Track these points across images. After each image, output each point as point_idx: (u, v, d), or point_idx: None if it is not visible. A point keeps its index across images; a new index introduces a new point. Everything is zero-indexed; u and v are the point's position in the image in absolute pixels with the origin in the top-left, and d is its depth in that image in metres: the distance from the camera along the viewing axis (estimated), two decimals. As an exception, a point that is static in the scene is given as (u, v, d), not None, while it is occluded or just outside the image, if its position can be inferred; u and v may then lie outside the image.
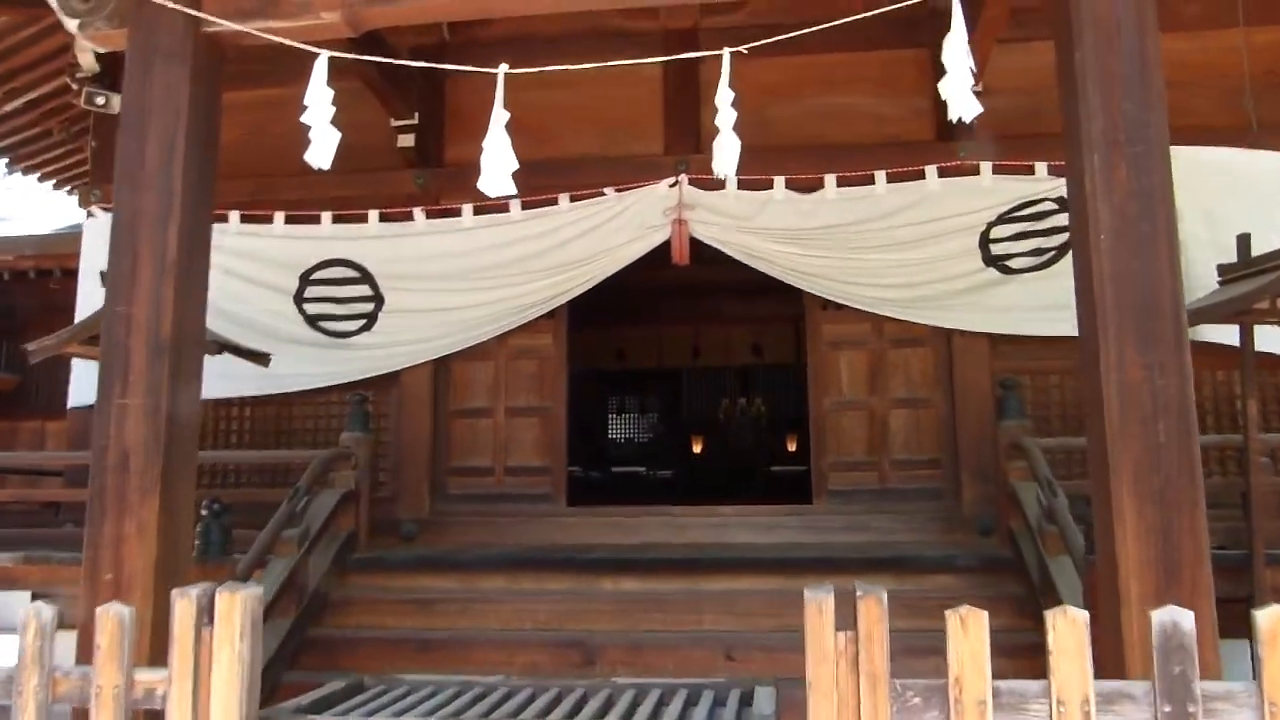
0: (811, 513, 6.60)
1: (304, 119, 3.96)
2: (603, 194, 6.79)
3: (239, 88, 7.51)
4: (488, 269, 6.87)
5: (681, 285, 12.01)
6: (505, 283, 6.87)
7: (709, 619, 5.21)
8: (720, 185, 6.64)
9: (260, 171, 7.41)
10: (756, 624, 5.14)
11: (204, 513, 4.62)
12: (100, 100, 7.15)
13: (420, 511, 6.88)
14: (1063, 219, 6.26)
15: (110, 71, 7.13)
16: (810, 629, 2.47)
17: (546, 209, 6.85)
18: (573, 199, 6.83)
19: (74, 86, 7.38)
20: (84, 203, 7.64)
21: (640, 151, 7.01)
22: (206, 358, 6.11)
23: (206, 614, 2.73)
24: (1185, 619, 2.20)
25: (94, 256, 7.15)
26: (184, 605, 2.75)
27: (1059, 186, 6.26)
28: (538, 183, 6.72)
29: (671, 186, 6.69)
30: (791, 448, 15.30)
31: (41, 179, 9.58)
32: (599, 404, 18.12)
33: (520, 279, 6.85)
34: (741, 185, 6.62)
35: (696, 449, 16.73)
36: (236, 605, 2.71)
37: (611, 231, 6.75)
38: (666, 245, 6.66)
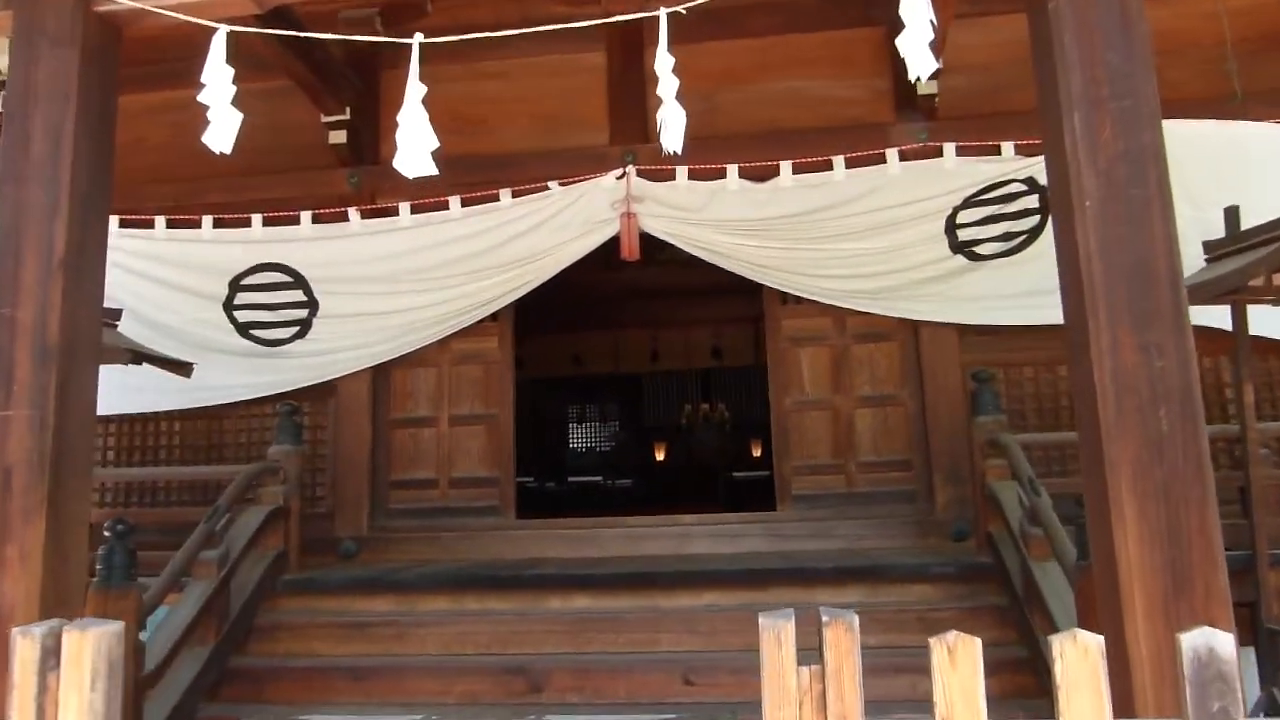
0: (776, 520, 6.22)
1: (201, 98, 3.49)
2: (547, 188, 6.37)
3: (163, 87, 7.15)
4: (428, 270, 6.45)
5: (638, 288, 11.80)
6: (447, 284, 6.45)
7: (666, 639, 4.79)
8: (670, 176, 6.27)
9: (187, 175, 6.94)
10: (718, 643, 4.73)
11: (106, 534, 4.14)
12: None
13: (360, 528, 6.45)
14: (1033, 201, 5.96)
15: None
16: (768, 663, 2.02)
17: (488, 205, 6.43)
18: (515, 194, 6.41)
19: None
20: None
21: (585, 143, 6.62)
22: (133, 370, 5.72)
23: (53, 656, 2.24)
24: (1223, 643, 1.79)
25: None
26: (25, 646, 2.25)
27: (1028, 166, 5.97)
28: (478, 179, 6.47)
29: (619, 179, 6.29)
30: (757, 453, 15.02)
31: None
32: (556, 412, 17.80)
33: (462, 279, 6.43)
34: (692, 175, 6.26)
35: (659, 456, 16.40)
36: (87, 646, 2.21)
37: (557, 227, 6.35)
38: (616, 241, 6.22)
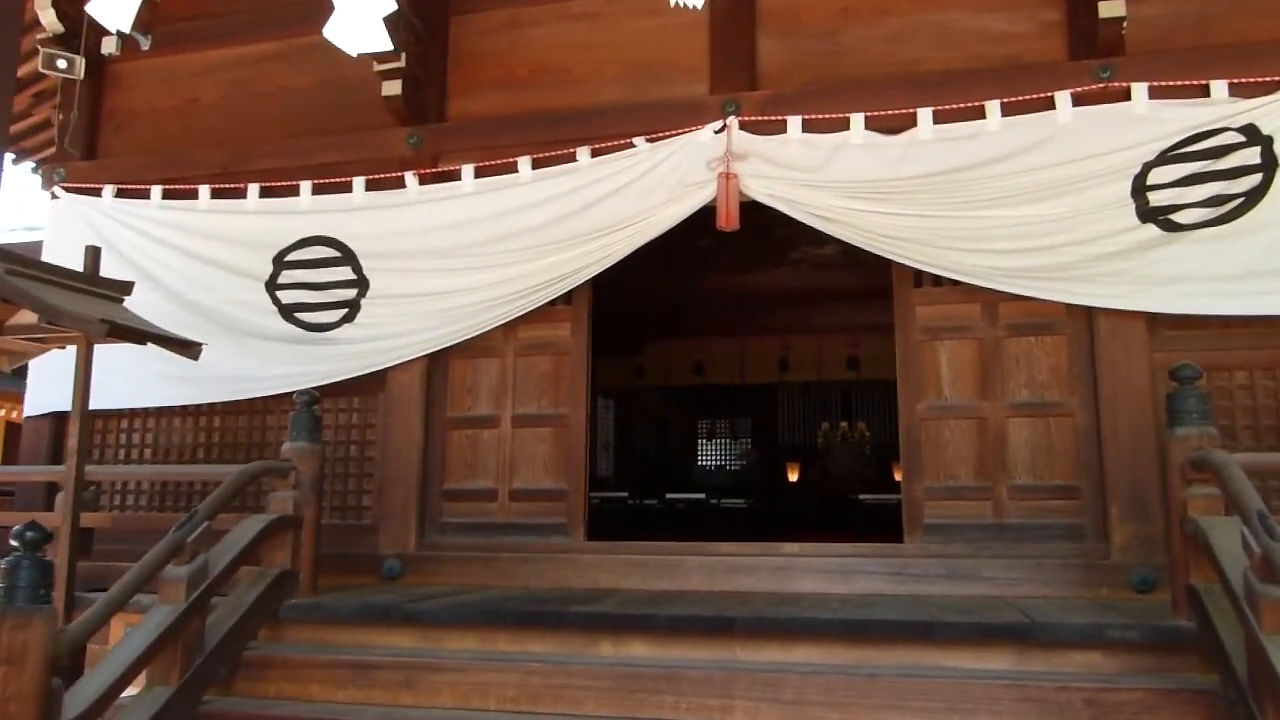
0: (902, 554, 5.00)
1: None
2: (632, 145, 5.38)
3: (219, 44, 6.52)
4: (492, 242, 5.54)
5: (767, 292, 10.85)
6: (514, 259, 5.52)
7: (741, 707, 3.62)
8: (780, 129, 5.22)
9: (238, 138, 6.35)
10: (809, 718, 3.53)
11: (14, 542, 3.27)
12: (61, 64, 5.98)
13: (406, 545, 5.55)
14: (1253, 155, 4.63)
15: (74, 31, 6.07)
16: None
17: (563, 167, 5.50)
18: (595, 153, 5.46)
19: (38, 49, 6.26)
20: (46, 184, 6.54)
21: (679, 94, 5.58)
22: (170, 358, 4.96)
23: None
24: None
25: (58, 247, 6.06)
26: None
27: (1246, 111, 4.67)
28: (559, 137, 5.61)
29: (717, 133, 5.27)
30: (899, 476, 13.72)
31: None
32: (685, 426, 16.88)
33: (532, 253, 5.49)
34: (807, 127, 5.19)
35: (792, 477, 15.23)
36: None
37: (643, 191, 5.34)
38: (712, 210, 5.14)
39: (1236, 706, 3.18)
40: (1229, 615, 3.31)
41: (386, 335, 5.68)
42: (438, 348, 5.65)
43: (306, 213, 5.84)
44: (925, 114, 4.99)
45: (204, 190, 6.06)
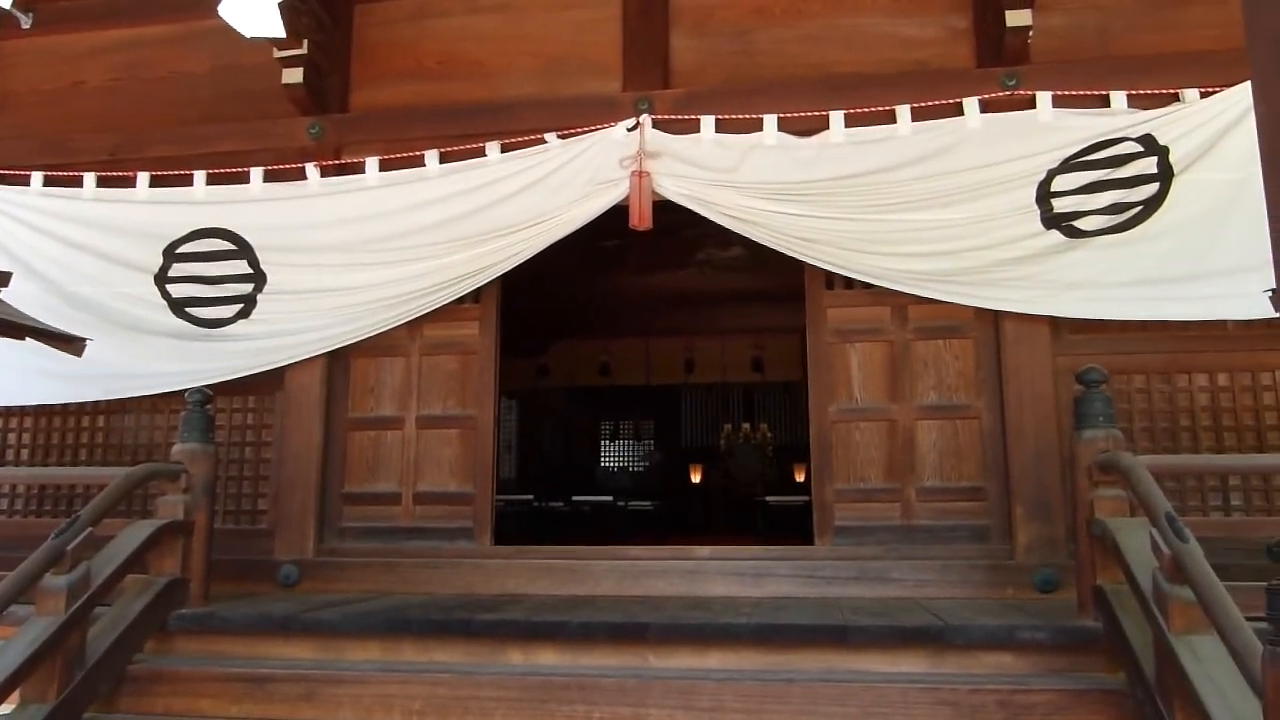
0: (814, 557, 4.97)
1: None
2: (544, 141, 5.24)
3: (108, 24, 6.17)
4: (397, 238, 5.34)
5: (671, 293, 10.85)
6: (419, 255, 5.33)
7: (656, 716, 3.54)
8: (694, 128, 5.15)
9: (128, 123, 5.99)
10: (725, 725, 3.46)
11: None
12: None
13: (304, 550, 5.32)
14: (1149, 165, 4.70)
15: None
16: None
17: (472, 162, 5.32)
18: (505, 148, 5.29)
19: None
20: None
21: (592, 90, 5.47)
22: (55, 354, 4.65)
23: None
24: None
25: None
26: None
27: (1144, 122, 4.75)
28: (468, 131, 5.43)
29: (630, 130, 5.17)
30: (800, 478, 13.87)
31: None
32: (589, 427, 16.80)
33: (439, 250, 5.31)
34: (721, 127, 5.12)
35: (695, 478, 15.25)
36: None
37: (554, 188, 5.21)
38: (621, 208, 5.05)
39: (1144, 705, 3.22)
40: (1136, 615, 3.35)
41: (284, 332, 5.44)
42: (339, 345, 5.44)
43: (200, 203, 5.54)
44: (837, 117, 4.98)
45: (89, 178, 5.69)
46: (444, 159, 5.34)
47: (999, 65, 5.01)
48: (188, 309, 5.51)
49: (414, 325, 5.46)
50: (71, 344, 4.45)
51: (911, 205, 4.89)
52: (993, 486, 4.91)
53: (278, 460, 5.49)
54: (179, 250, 5.52)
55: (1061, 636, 3.70)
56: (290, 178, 5.50)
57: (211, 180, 5.56)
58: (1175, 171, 4.65)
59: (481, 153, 5.29)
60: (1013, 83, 4.95)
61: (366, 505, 5.43)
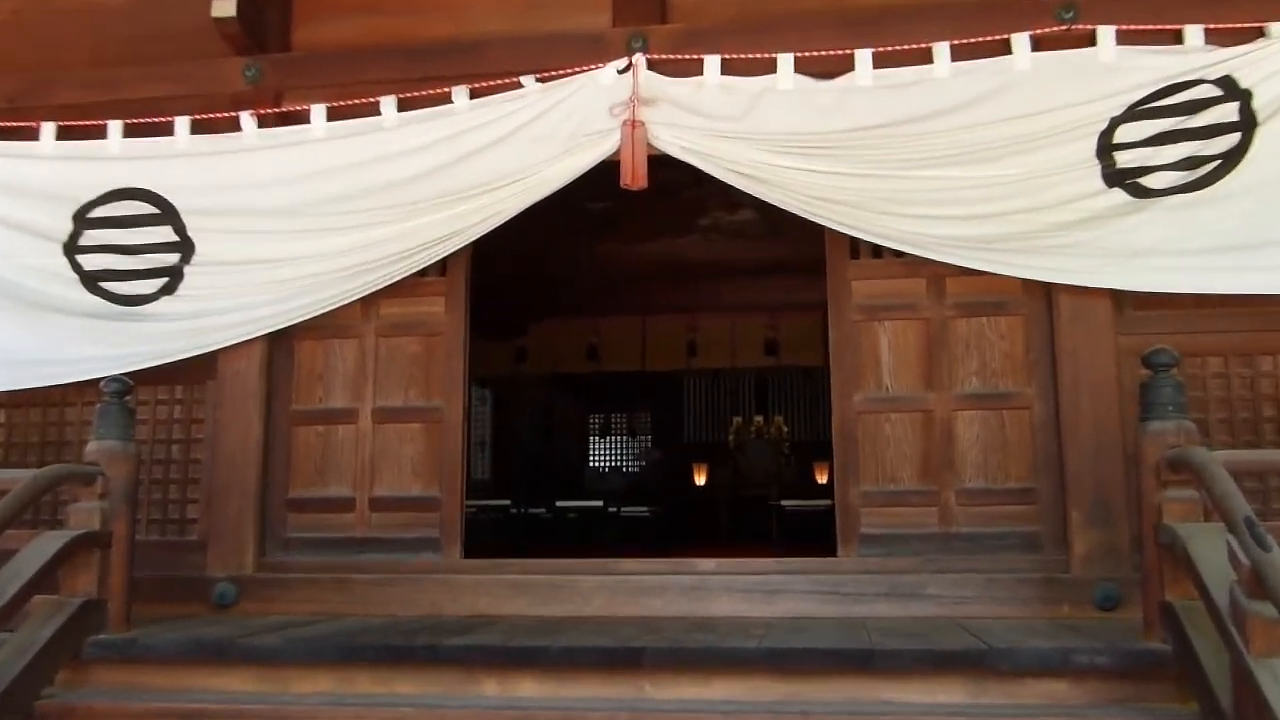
0: (835, 570, 5.03)
1: None
2: (520, 85, 5.24)
3: (5, -51, 6.13)
4: (348, 199, 5.35)
5: (671, 264, 10.91)
6: (375, 219, 5.34)
7: (653, 756, 3.56)
8: (696, 70, 5.13)
9: (30, 63, 5.98)
10: (734, 767, 3.49)
11: None
12: None
13: (243, 565, 5.37)
14: (1230, 111, 4.73)
15: None
16: None
17: (436, 110, 5.32)
18: (474, 94, 5.30)
19: None
20: None
21: (576, 25, 5.49)
22: None
23: None
24: None
25: None
26: None
27: (1222, 62, 4.78)
28: (425, 73, 5.42)
29: (621, 73, 5.14)
30: (822, 479, 13.97)
31: None
32: (576, 421, 16.89)
33: (397, 213, 5.32)
34: (727, 69, 5.10)
35: (699, 480, 15.36)
36: None
37: (533, 140, 5.21)
38: (613, 165, 5.06)
39: (1220, 741, 3.24)
40: (1211, 636, 3.38)
41: (217, 310, 5.46)
42: (281, 326, 5.47)
43: (116, 159, 5.53)
44: (864, 56, 4.97)
45: (-21, 129, 5.70)
46: (403, 107, 5.33)
47: (1053, -5, 5.00)
48: (102, 284, 5.51)
49: (369, 302, 5.49)
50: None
51: (950, 160, 4.90)
52: (1045, 487, 4.95)
53: (210, 460, 5.52)
54: (91, 214, 5.51)
55: (1124, 661, 3.73)
56: (222, 129, 5.50)
57: (129, 132, 5.53)
58: (1259, 120, 4.66)
59: (447, 99, 5.29)
60: (1070, 15, 4.94)
61: (315, 512, 5.48)
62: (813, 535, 8.54)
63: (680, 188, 5.92)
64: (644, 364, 13.04)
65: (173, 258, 5.44)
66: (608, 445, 17.42)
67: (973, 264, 4.98)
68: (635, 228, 9.75)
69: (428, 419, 5.47)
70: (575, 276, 11.36)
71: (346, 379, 5.57)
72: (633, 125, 5.02)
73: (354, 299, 5.43)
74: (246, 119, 5.47)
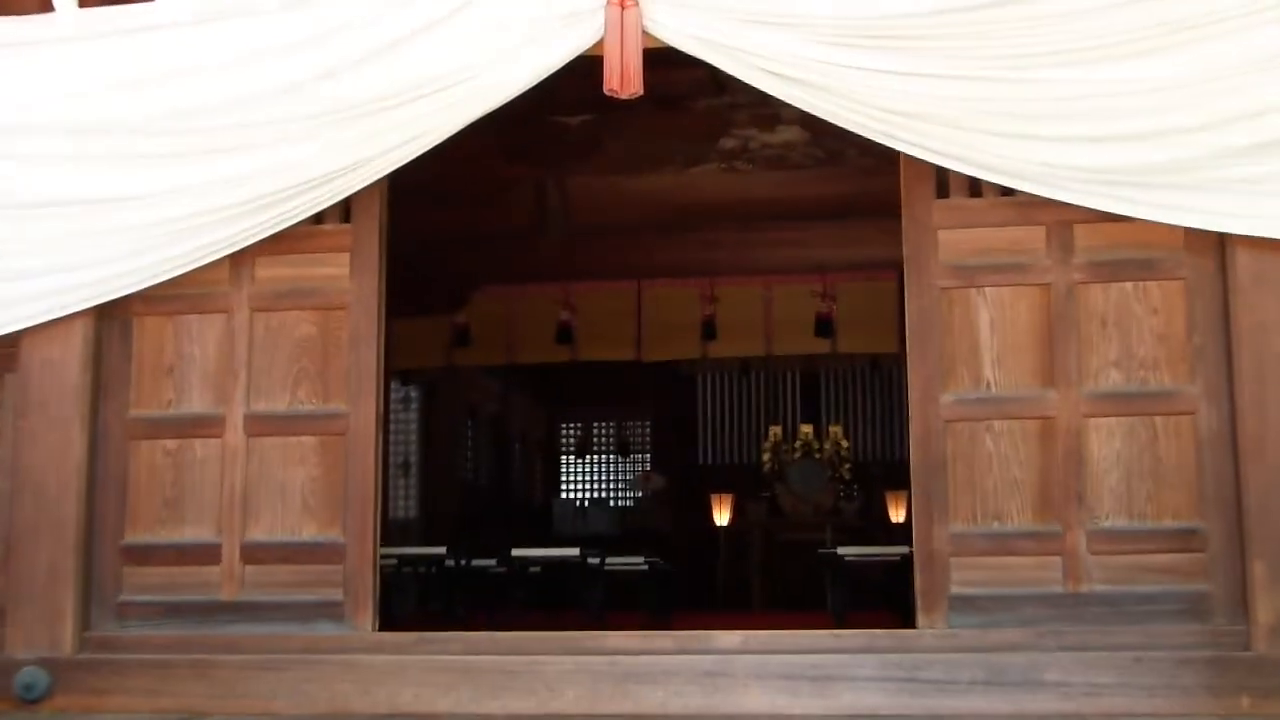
0: (914, 645, 5.16)
1: None
2: (457, -52, 5.37)
3: None
4: (211, 114, 5.51)
5: (678, 205, 11.01)
6: (249, 141, 5.50)
7: None
8: None
9: None
10: None
11: None
12: None
13: (58, 642, 5.50)
14: None
15: None
16: None
17: (332, -15, 5.48)
18: (397, -43, 5.44)
19: None
20: None
21: None
22: None
23: None
24: None
25: None
26: None
27: None
28: None
29: (605, -69, 5.29)
30: (899, 517, 14.09)
31: None
32: (543, 437, 16.98)
33: (282, 132, 5.47)
34: (754, -75, 5.24)
35: (720, 519, 15.46)
36: None
37: (479, 29, 5.34)
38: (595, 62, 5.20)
39: None
40: None
41: (17, 274, 5.58)
42: (112, 296, 5.60)
43: None
44: (953, -99, 5.09)
45: None
46: (294, -23, 5.46)
47: None
48: None
49: (240, 261, 5.62)
50: None
51: (1083, 55, 5.00)
52: (1215, 528, 5.05)
53: (9, 491, 5.62)
54: None
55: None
56: (23, 9, 5.64)
57: None
58: None
59: (355, -35, 5.42)
60: None
61: (163, 565, 5.60)
62: (882, 597, 8.61)
63: (692, 96, 5.99)
64: (639, 351, 13.11)
65: (-55, 199, 5.58)
66: (587, 469, 17.49)
67: (1113, 206, 5.06)
68: (626, 154, 9.82)
69: (326, 430, 5.59)
70: (539, 224, 11.42)
71: (207, 372, 5.69)
72: (621, 5, 5.12)
73: (219, 256, 5.53)
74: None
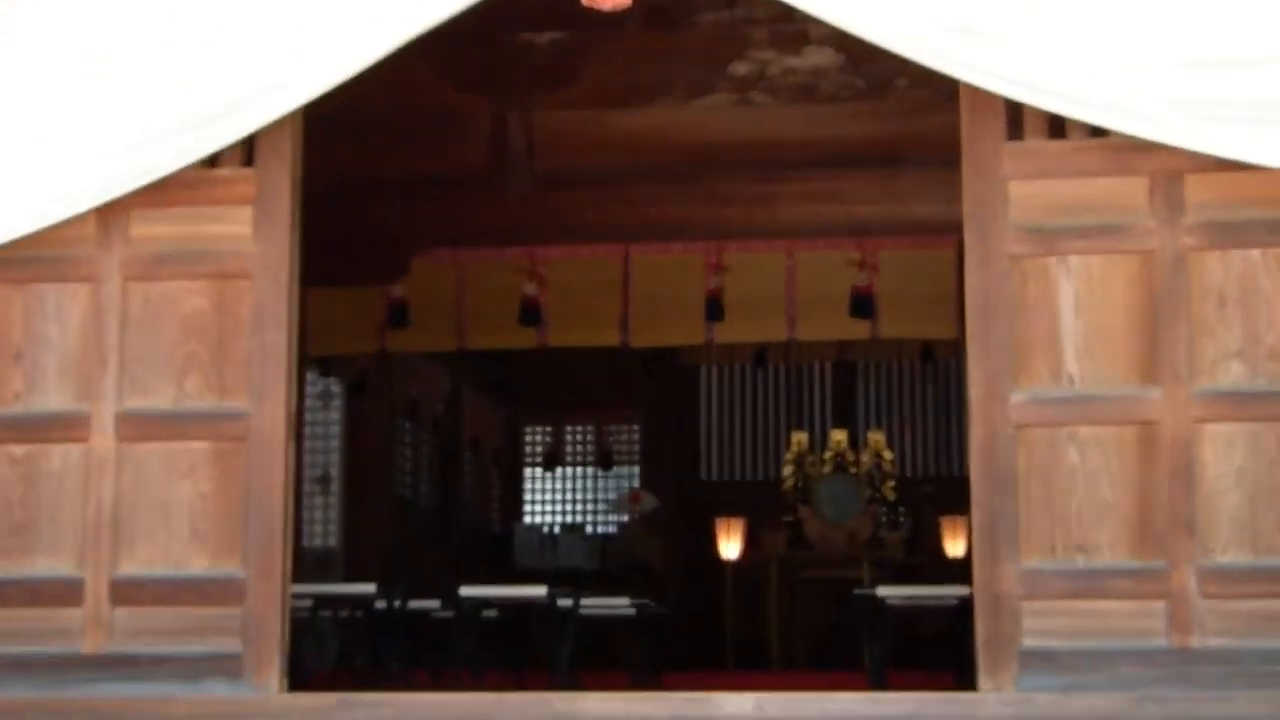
0: (976, 711, 5.21)
1: None
2: None
3: None
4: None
5: (677, 148, 11.00)
6: (121, 53, 5.52)
7: None
8: None
9: None
10: None
11: None
12: None
13: None
14: None
15: None
16: None
17: None
18: None
19: None
20: None
21: None
22: None
23: None
24: None
25: None
26: None
27: None
28: None
29: None
30: (957, 549, 14.11)
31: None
32: (483, 436, 17.02)
33: (167, 41, 5.49)
34: None
35: (727, 550, 15.50)
36: None
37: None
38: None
39: None
40: None
41: None
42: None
43: None
44: None
45: None
46: None
47: None
48: None
49: (110, 215, 5.62)
50: None
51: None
52: (1367, 563, 5.05)
53: None
54: None
55: None
56: None
57: None
58: None
59: None
60: None
61: (7, 607, 5.58)
62: (936, 651, 8.65)
63: (695, 8, 5.98)
64: (626, 335, 13.11)
65: None
66: (558, 486, 17.50)
67: (1231, 152, 5.04)
68: (609, 82, 9.80)
69: (222, 433, 5.61)
70: (498, 170, 11.41)
71: (68, 358, 5.71)
72: (603, -104, 5.17)
73: (82, 210, 5.53)
74: None
